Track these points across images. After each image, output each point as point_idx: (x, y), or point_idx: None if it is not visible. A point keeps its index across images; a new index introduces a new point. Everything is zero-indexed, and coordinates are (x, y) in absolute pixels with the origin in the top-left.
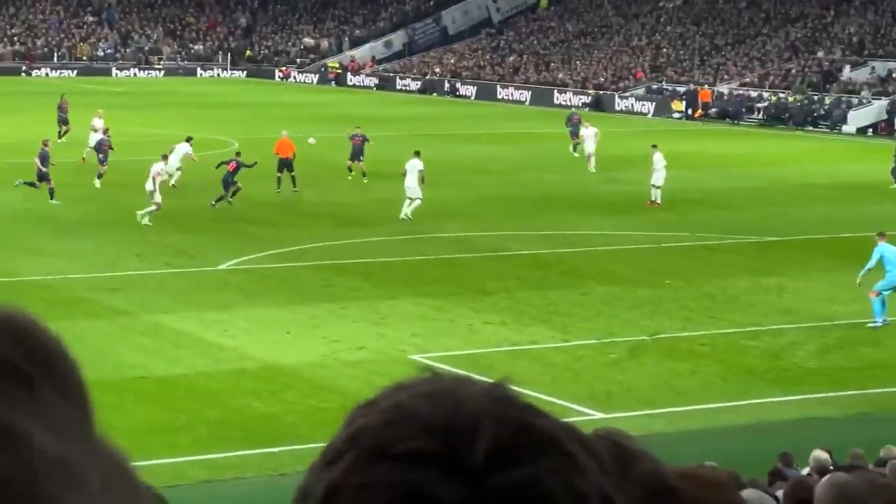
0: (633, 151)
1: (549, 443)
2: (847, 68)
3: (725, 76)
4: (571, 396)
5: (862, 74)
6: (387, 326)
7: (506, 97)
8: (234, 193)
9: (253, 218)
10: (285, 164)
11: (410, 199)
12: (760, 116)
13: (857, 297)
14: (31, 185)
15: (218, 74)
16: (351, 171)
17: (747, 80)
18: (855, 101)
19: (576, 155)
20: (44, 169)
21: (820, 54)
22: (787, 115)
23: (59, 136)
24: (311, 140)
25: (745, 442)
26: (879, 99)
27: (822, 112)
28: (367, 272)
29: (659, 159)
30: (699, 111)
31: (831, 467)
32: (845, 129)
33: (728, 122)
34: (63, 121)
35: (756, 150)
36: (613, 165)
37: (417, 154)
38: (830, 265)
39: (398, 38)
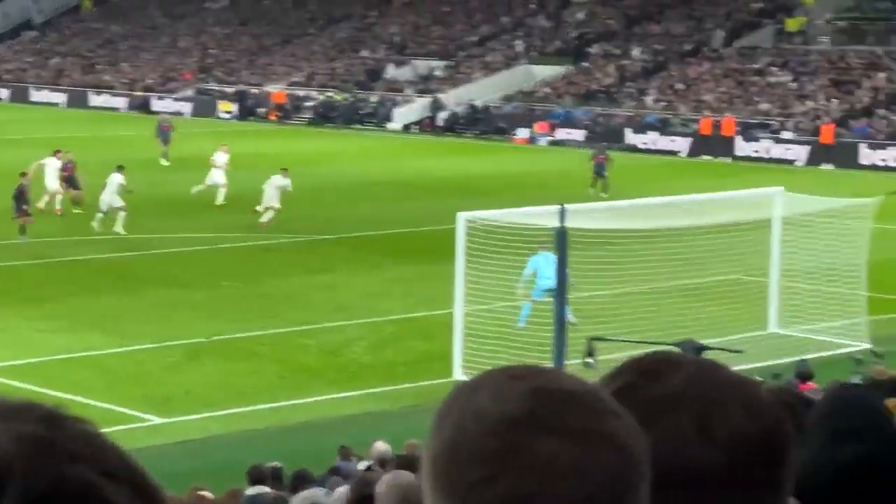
0: (182, 153)
1: (87, 492)
2: (391, 67)
3: (274, 76)
4: (130, 402)
5: (405, 73)
6: None
7: (41, 100)
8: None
9: None
10: None
11: (115, 209)
12: (310, 115)
13: (407, 292)
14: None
15: None
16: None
17: (295, 79)
18: (399, 98)
19: (165, 163)
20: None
21: (365, 53)
22: (336, 113)
23: None
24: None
25: (307, 440)
26: (422, 96)
27: (369, 110)
28: None
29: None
30: (275, 112)
31: (389, 457)
32: (391, 126)
33: (269, 120)
34: None
35: (306, 150)
36: (160, 166)
37: (120, 168)
38: (381, 261)
39: None
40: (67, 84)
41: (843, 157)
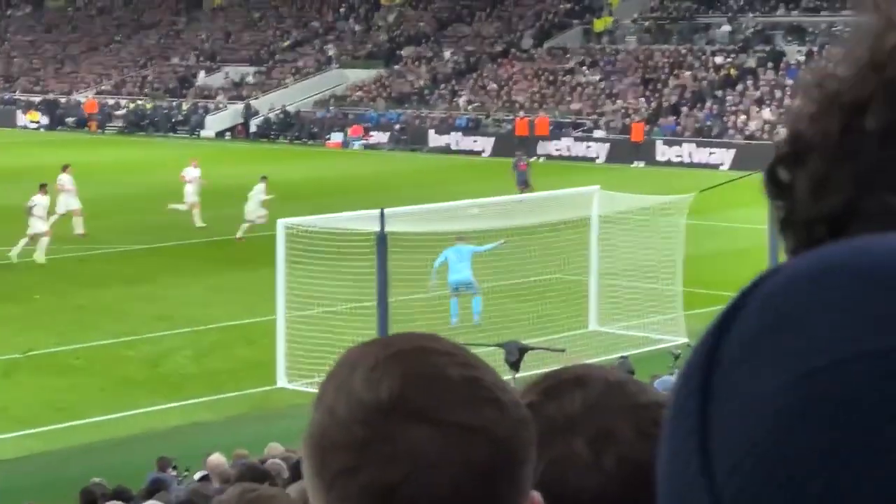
0: None
1: None
2: (202, 74)
3: (82, 85)
4: None
5: (217, 80)
6: None
7: None
8: None
9: None
10: None
11: (37, 235)
12: (121, 124)
13: (229, 300)
14: None
15: None
16: None
17: (104, 87)
18: (212, 105)
19: None
20: None
21: (175, 60)
22: (147, 121)
23: None
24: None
25: (131, 453)
26: (235, 103)
27: (181, 118)
28: None
29: (259, 190)
30: (94, 123)
31: (224, 469)
32: (204, 133)
33: (87, 130)
34: None
35: (118, 159)
36: None
37: (43, 188)
38: (202, 268)
39: None
40: None
41: (649, 154)
